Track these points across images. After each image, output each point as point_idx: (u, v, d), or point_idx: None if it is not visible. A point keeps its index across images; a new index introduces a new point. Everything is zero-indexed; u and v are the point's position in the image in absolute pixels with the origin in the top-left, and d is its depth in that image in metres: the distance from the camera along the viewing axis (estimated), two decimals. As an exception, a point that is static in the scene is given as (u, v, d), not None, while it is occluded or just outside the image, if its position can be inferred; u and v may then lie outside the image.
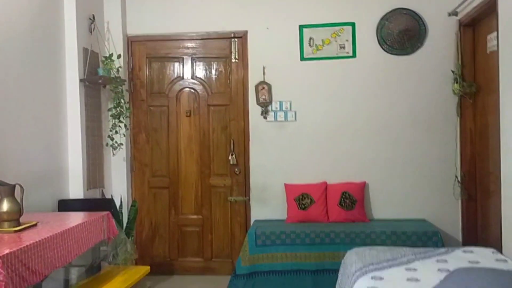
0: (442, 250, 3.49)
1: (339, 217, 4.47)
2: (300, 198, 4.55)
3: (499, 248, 3.48)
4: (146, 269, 3.27)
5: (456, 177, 4.50)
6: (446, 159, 4.55)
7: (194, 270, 4.88)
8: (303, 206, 4.52)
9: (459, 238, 4.52)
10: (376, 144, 4.64)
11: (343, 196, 4.50)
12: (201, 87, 4.85)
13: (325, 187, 4.59)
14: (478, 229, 4.39)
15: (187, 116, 4.85)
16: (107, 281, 2.98)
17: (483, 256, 3.26)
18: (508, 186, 3.34)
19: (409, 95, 4.59)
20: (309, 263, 4.17)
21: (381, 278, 2.89)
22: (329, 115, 4.69)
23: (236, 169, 4.81)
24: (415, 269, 3.04)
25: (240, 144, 4.81)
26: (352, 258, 3.41)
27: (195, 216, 4.92)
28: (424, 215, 4.56)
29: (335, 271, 4.06)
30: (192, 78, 4.86)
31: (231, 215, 4.85)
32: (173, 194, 4.91)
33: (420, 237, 4.06)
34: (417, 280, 2.83)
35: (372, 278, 2.90)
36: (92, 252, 3.02)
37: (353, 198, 4.49)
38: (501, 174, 3.42)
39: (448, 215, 4.55)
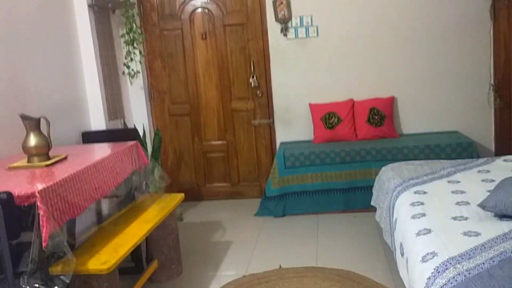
0: (481, 160, 3.38)
1: (368, 134, 4.35)
2: (327, 117, 4.40)
3: (540, 155, 3.37)
4: (180, 196, 3.21)
5: (491, 84, 4.29)
6: (479, 66, 4.31)
7: (222, 195, 4.87)
8: (330, 125, 4.39)
9: (492, 148, 4.40)
10: (404, 55, 4.40)
11: (371, 113, 4.34)
12: (215, 6, 4.55)
13: (352, 105, 4.42)
14: (512, 138, 4.26)
15: (203, 38, 4.60)
16: (144, 211, 2.94)
17: (526, 164, 3.16)
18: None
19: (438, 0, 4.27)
20: (340, 182, 4.11)
21: (424, 192, 2.81)
22: (353, 28, 4.41)
23: (258, 92, 4.63)
24: (458, 181, 2.95)
25: (260, 65, 4.59)
26: (389, 174, 3.32)
27: (219, 142, 4.82)
28: (456, 126, 4.41)
29: (367, 188, 4.04)
30: (205, -3, 4.57)
31: (255, 139, 4.75)
32: (195, 121, 4.79)
33: (454, 149, 3.95)
34: (462, 192, 2.75)
35: (415, 192, 2.82)
36: (124, 183, 2.94)
37: (382, 114, 4.33)
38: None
39: (481, 125, 4.39)
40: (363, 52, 4.43)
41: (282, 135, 4.65)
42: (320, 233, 3.80)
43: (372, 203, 3.60)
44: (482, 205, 2.36)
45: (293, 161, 4.14)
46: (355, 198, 4.13)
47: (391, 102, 4.40)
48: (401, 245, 2.49)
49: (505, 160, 3.30)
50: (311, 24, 4.43)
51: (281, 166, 4.16)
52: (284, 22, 4.43)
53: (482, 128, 4.39)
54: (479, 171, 3.13)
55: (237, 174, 4.85)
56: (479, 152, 4.00)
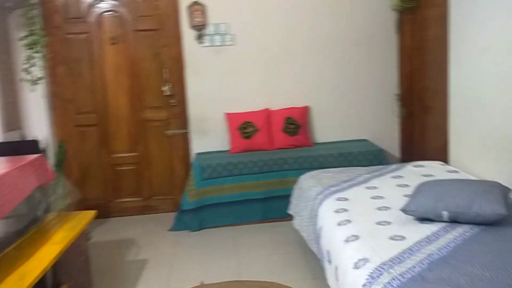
0: (393, 166, 3.53)
1: (283, 143, 4.36)
2: (243, 126, 4.35)
3: (443, 160, 3.59)
4: (91, 214, 2.92)
5: (396, 95, 4.53)
6: (387, 77, 4.54)
7: (133, 210, 4.59)
8: (247, 135, 4.34)
9: (398, 155, 4.64)
10: (317, 66, 4.50)
11: (287, 122, 4.37)
12: (125, 9, 4.32)
13: (268, 114, 4.41)
14: (415, 145, 4.51)
15: (112, 43, 4.34)
16: (51, 232, 2.63)
17: (434, 169, 3.34)
18: (456, 99, 3.38)
19: (349, 13, 4.43)
20: (258, 191, 4.06)
21: (346, 199, 2.84)
22: (269, 38, 4.43)
23: (172, 101, 4.45)
24: (375, 187, 3.03)
25: (175, 73, 4.43)
26: (309, 183, 3.33)
27: (129, 154, 4.55)
28: (365, 135, 4.59)
29: (284, 197, 4.03)
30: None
31: (170, 150, 4.55)
32: (103, 132, 4.48)
33: (366, 156, 4.09)
34: (381, 197, 2.82)
35: (337, 199, 2.84)
36: (28, 202, 2.62)
37: (297, 123, 4.38)
38: (450, 87, 3.44)
39: (388, 134, 4.61)
40: (278, 62, 4.46)
41: (198, 146, 4.51)
42: (240, 245, 3.70)
43: (289, 211, 3.59)
44: (404, 210, 2.42)
45: (211, 172, 4.02)
46: (273, 208, 4.10)
47: (306, 111, 4.47)
48: (328, 252, 2.48)
49: (414, 166, 3.47)
50: (228, 32, 4.37)
51: (198, 177, 4.02)
52: (200, 29, 4.33)
53: (389, 136, 4.61)
54: (392, 177, 3.25)
55: (149, 188, 4.61)
56: (387, 159, 4.19)
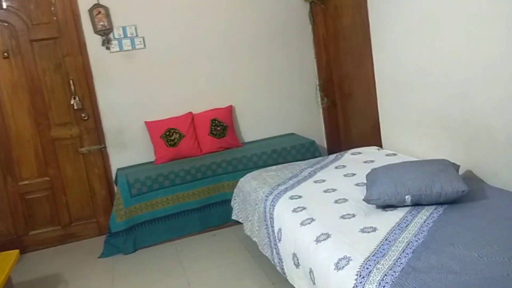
0: (332, 157, 3.49)
1: (212, 147, 4.15)
2: (167, 134, 4.06)
3: (376, 145, 3.63)
4: (15, 253, 2.50)
5: (317, 85, 4.53)
6: (306, 68, 4.52)
7: (52, 241, 4.09)
8: (172, 143, 4.06)
9: (325, 145, 4.65)
10: (235, 64, 4.34)
11: (213, 124, 4.16)
12: (16, 18, 3.80)
13: (192, 118, 4.17)
14: (341, 133, 4.56)
15: (5, 57, 3.80)
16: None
17: (372, 154, 3.35)
18: (383, 83, 3.42)
19: (260, 7, 4.33)
20: (194, 201, 3.81)
21: (299, 196, 2.72)
22: (182, 38, 4.18)
23: (83, 114, 4.03)
24: (323, 180, 2.95)
25: (82, 83, 4.00)
26: (252, 184, 3.17)
27: (40, 179, 4.04)
28: (291, 129, 4.53)
29: (221, 203, 3.87)
30: (1, 8, 3.77)
31: (86, 169, 4.12)
32: (6, 159, 3.93)
33: (299, 150, 4.02)
34: (334, 190, 2.74)
35: (290, 198, 2.72)
36: None
37: (223, 124, 4.19)
38: (375, 72, 3.48)
39: (314, 125, 4.60)
40: (195, 62, 4.23)
41: (118, 161, 4.14)
42: (185, 260, 3.43)
43: (234, 218, 3.41)
44: (367, 199, 2.36)
45: (140, 187, 3.69)
46: (211, 216, 3.88)
47: (230, 111, 4.29)
48: (294, 255, 2.33)
49: (352, 154, 3.46)
50: (136, 35, 4.04)
51: (126, 195, 3.66)
52: (105, 34, 3.95)
53: (314, 127, 4.61)
54: (336, 167, 3.20)
55: (67, 214, 4.13)
56: (320, 150, 4.17)
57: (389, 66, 3.30)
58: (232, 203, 3.47)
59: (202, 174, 3.82)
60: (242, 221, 3.29)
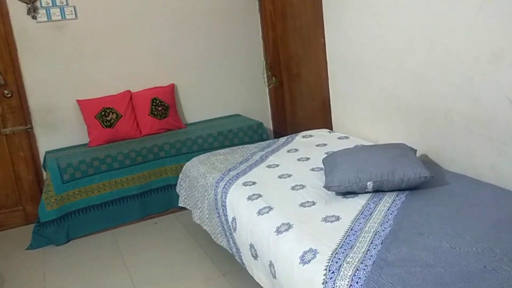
0: (283, 140, 3.36)
1: (153, 128, 3.87)
2: (103, 114, 3.73)
3: (326, 127, 3.55)
4: None
5: (264, 64, 4.36)
6: (252, 47, 4.33)
7: (-29, 233, 3.67)
8: (109, 123, 3.74)
9: (271, 127, 4.51)
10: (178, 40, 4.06)
11: (154, 104, 3.88)
12: None
13: (130, 97, 3.86)
14: (287, 115, 4.43)
15: None
16: None
17: (324, 137, 3.26)
18: (335, 64, 3.32)
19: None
20: (133, 186, 3.55)
21: (254, 183, 2.56)
22: (119, 9, 3.83)
23: (6, 91, 3.60)
24: (277, 165, 2.81)
25: (4, 57, 3.56)
26: (199, 169, 2.97)
27: (-45, 164, 3.59)
28: (237, 109, 4.35)
29: (164, 189, 3.67)
30: None
31: (10, 152, 3.70)
32: None
33: (246, 132, 3.85)
34: (289, 175, 2.61)
35: (244, 184, 2.55)
36: None
37: (165, 104, 3.92)
38: (327, 52, 3.36)
39: (260, 106, 4.45)
40: (134, 37, 3.91)
41: (47, 143, 3.76)
42: (125, 251, 3.18)
43: (181, 205, 3.19)
44: (328, 186, 2.24)
45: (73, 172, 3.36)
46: (152, 202, 3.64)
47: (172, 90, 4.02)
48: (252, 246, 2.18)
49: (303, 137, 3.34)
50: (67, 4, 3.65)
51: (57, 181, 3.32)
52: (31, 1, 3.52)
53: (260, 108, 4.45)
54: (288, 151, 3.07)
55: (-12, 201, 3.72)
56: (267, 132, 4.03)
57: (342, 46, 3.19)
58: (177, 189, 3.25)
59: (143, 158, 3.55)
60: (190, 208, 3.08)
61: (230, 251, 2.53)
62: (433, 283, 1.48)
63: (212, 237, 2.72)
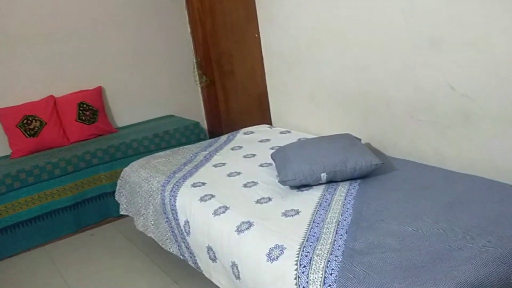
0: (224, 138, 3.29)
1: (82, 134, 3.64)
2: (25, 123, 3.44)
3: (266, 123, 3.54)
4: None
5: (195, 63, 4.26)
6: (182, 46, 4.21)
7: None
8: (32, 132, 3.45)
9: (205, 126, 4.42)
10: (103, 40, 3.84)
11: (81, 108, 3.64)
12: None
13: (53, 102, 3.59)
14: (221, 113, 4.37)
15: None
16: None
17: (266, 133, 3.24)
18: (271, 57, 3.31)
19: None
20: (65, 198, 3.30)
21: (203, 183, 2.47)
22: (34, 7, 3.54)
23: None
24: (223, 163, 2.75)
25: None
26: (140, 174, 2.83)
27: None
28: (170, 110, 4.21)
29: (98, 198, 3.48)
30: None
31: None
32: None
33: (183, 133, 3.73)
34: (238, 173, 2.56)
35: (193, 186, 2.46)
36: None
37: (93, 108, 3.69)
38: (262, 47, 3.34)
39: (193, 105, 4.34)
40: (52, 36, 3.64)
41: (-39, 157, 3.40)
42: (63, 268, 2.94)
43: (122, 212, 3.03)
44: (282, 181, 2.21)
45: (-4, 187, 3.07)
46: (87, 213, 3.42)
47: (99, 93, 3.80)
48: (209, 249, 2.10)
49: (245, 133, 3.30)
50: (-24, 3, 3.31)
51: (-22, 198, 3.02)
52: None
53: (194, 108, 4.35)
54: (232, 149, 3.01)
55: None
56: (205, 132, 3.94)
57: (278, 40, 3.18)
58: (116, 197, 3.07)
59: (74, 167, 3.32)
60: (133, 216, 2.93)
61: (181, 256, 2.43)
62: (405, 267, 1.50)
63: (160, 244, 2.60)
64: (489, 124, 2.07)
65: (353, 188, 2.16)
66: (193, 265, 2.33)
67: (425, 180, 2.12)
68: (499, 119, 2.02)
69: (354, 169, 2.20)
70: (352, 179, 2.25)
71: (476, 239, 1.58)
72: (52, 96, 3.61)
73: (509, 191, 1.87)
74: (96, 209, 3.45)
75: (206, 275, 2.20)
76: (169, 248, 2.51)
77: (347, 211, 1.94)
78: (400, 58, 2.37)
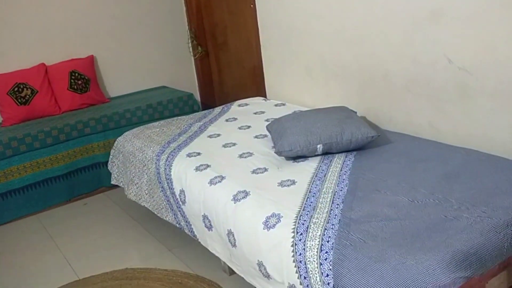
0: (218, 110, 3.28)
1: (74, 103, 3.60)
2: (16, 90, 3.39)
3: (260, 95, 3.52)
4: None
5: (188, 34, 4.20)
6: (175, 16, 4.14)
7: None
8: (23, 100, 3.41)
9: (198, 98, 4.39)
10: (94, 6, 3.76)
11: (73, 77, 3.59)
12: None
13: (45, 70, 3.53)
14: (215, 85, 4.34)
15: None
16: None
17: (260, 105, 3.24)
18: (267, 30, 3.27)
19: None
20: (58, 167, 3.28)
21: (198, 153, 2.47)
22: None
23: None
24: (218, 134, 2.75)
25: None
26: (134, 144, 2.82)
27: None
28: (162, 81, 4.17)
29: (91, 168, 3.47)
30: None
31: None
32: None
33: (176, 104, 3.71)
34: (234, 144, 2.56)
35: (188, 156, 2.46)
36: None
37: (85, 78, 3.64)
38: (258, 18, 3.30)
39: (186, 77, 4.29)
40: (45, 3, 3.55)
41: (-49, 124, 3.35)
42: (57, 236, 2.95)
43: (113, 182, 3.03)
44: (278, 151, 2.22)
45: (-13, 155, 3.04)
46: (80, 182, 3.41)
47: (92, 62, 3.75)
48: (205, 217, 2.11)
49: (239, 105, 3.29)
50: (-36, -35, 3.21)
51: (-31, 165, 2.99)
52: None
53: (187, 79, 4.31)
54: (227, 120, 3.00)
55: None
56: (198, 103, 3.92)
57: (274, 11, 3.14)
58: (109, 167, 3.07)
59: (66, 136, 3.29)
60: (123, 186, 2.93)
61: (177, 224, 2.44)
62: (400, 235, 1.53)
63: (155, 213, 2.60)
64: (486, 99, 2.08)
65: (349, 160, 2.18)
66: (189, 233, 2.34)
67: (420, 153, 2.14)
68: (496, 94, 2.03)
69: (350, 141, 2.21)
70: (347, 151, 2.26)
71: (471, 209, 1.61)
72: (43, 64, 3.54)
73: (504, 164, 1.89)
74: (89, 178, 3.43)
75: (202, 243, 2.23)
76: (165, 217, 2.52)
77: (343, 182, 1.96)
78: (398, 31, 2.36)
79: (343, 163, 2.15)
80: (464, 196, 1.70)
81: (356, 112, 2.55)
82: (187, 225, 2.33)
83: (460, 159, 2.00)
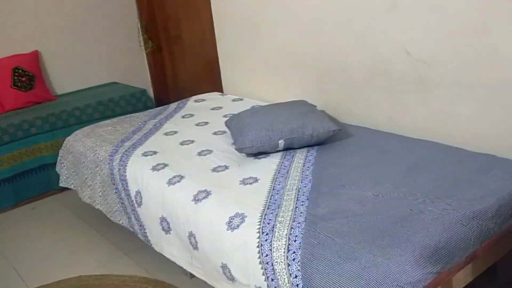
0: (174, 106, 3.18)
1: (18, 102, 3.38)
2: (-48, 88, 3.15)
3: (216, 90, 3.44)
4: None
5: (139, 27, 4.04)
6: (125, 8, 3.97)
7: None
8: (-39, 99, 3.17)
9: (152, 94, 4.24)
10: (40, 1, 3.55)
11: (16, 74, 3.37)
12: None
13: (-15, 67, 3.30)
14: (168, 80, 4.21)
15: None
16: None
17: (217, 100, 3.16)
18: (223, 23, 3.18)
19: None
20: (2, 170, 3.08)
21: (154, 152, 2.37)
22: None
23: None
24: (175, 131, 2.65)
25: None
26: (85, 143, 2.68)
27: None
28: (113, 77, 3.99)
29: (39, 169, 3.28)
30: None
31: None
32: None
33: (128, 100, 3.56)
34: (192, 141, 2.47)
35: (143, 155, 2.35)
36: None
37: (29, 74, 3.43)
38: (212, 11, 3.20)
39: (138, 72, 4.14)
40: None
41: None
42: (2, 244, 2.75)
43: (62, 185, 2.87)
44: (239, 148, 2.15)
45: None
46: (27, 185, 3.21)
47: (36, 57, 3.54)
48: (163, 220, 2.01)
49: (195, 101, 3.19)
50: None
51: None
52: None
53: (139, 75, 4.15)
54: (183, 117, 2.90)
55: None
56: (152, 99, 3.78)
57: (231, 4, 3.06)
58: (57, 168, 2.90)
59: (10, 136, 3.09)
60: (73, 188, 2.77)
61: (131, 229, 2.33)
62: (368, 231, 1.50)
63: (108, 216, 2.48)
64: (444, 90, 2.09)
65: (311, 155, 2.14)
66: (142, 238, 2.24)
67: (382, 146, 2.12)
68: (454, 85, 2.04)
69: (312, 135, 2.17)
70: (309, 145, 2.22)
71: (436, 202, 1.60)
72: (-18, 60, 3.31)
73: (465, 156, 1.90)
74: (37, 181, 3.25)
75: (156, 248, 2.14)
76: (118, 220, 2.40)
77: (306, 178, 1.91)
78: (357, 22, 2.34)
79: (306, 159, 2.10)
80: (428, 188, 1.69)
81: (316, 106, 2.52)
82: (140, 229, 2.22)
83: (422, 151, 2.00)
